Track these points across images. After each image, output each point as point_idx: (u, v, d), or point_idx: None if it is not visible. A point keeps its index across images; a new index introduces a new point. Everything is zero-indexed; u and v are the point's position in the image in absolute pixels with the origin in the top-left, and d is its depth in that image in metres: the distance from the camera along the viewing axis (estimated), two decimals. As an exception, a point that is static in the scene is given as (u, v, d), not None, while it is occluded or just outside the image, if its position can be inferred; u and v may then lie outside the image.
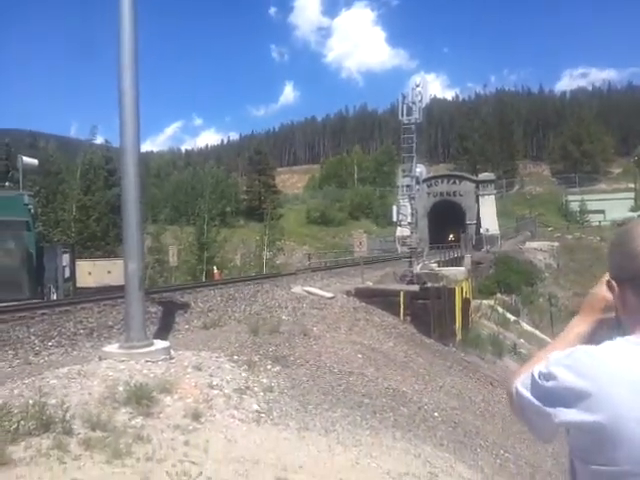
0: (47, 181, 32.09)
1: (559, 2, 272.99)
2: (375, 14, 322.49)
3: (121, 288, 16.71)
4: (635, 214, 53.59)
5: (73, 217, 29.76)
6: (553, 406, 1.24)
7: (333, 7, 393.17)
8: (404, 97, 17.57)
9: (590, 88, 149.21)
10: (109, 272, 20.34)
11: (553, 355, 1.30)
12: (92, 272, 20.17)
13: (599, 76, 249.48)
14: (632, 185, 65.12)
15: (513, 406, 1.40)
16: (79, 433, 5.06)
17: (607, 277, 1.43)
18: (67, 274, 17.69)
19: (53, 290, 17.12)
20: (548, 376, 1.26)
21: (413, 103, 17.37)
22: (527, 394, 1.31)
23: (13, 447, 4.57)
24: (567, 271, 41.36)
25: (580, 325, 1.46)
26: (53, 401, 5.54)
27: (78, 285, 18.77)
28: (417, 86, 17.34)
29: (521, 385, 1.34)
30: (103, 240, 31.58)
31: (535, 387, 1.30)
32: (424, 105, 17.56)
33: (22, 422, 4.93)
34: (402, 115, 17.65)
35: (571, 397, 1.21)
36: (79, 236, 29.08)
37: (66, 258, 17.63)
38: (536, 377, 1.30)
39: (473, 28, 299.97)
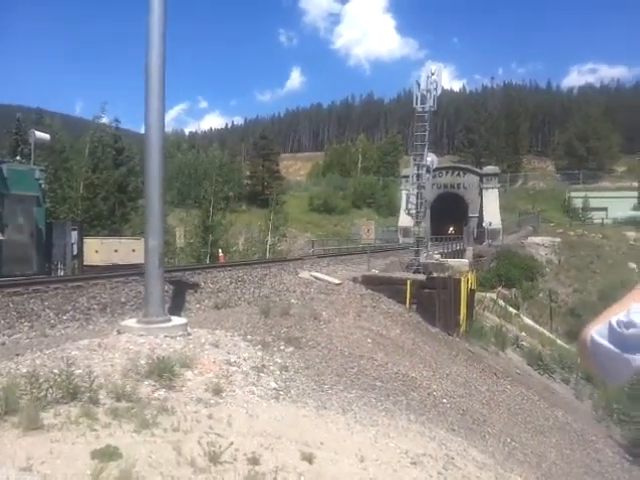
0: (51, 158, 32.05)
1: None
2: (386, 1, 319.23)
3: (128, 267, 16.89)
4: (638, 213, 53.71)
5: (80, 195, 29.77)
6: (632, 352, 1.32)
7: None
8: (419, 85, 17.57)
9: (598, 85, 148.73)
10: (116, 251, 20.41)
11: (634, 306, 1.38)
12: (99, 250, 20.21)
13: (608, 73, 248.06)
14: (636, 184, 64.99)
15: (585, 354, 1.47)
16: (105, 403, 5.15)
17: None
18: (75, 251, 17.77)
19: (60, 267, 17.21)
20: (629, 324, 1.33)
21: (427, 91, 17.36)
22: (604, 342, 1.39)
23: (43, 414, 4.66)
24: (568, 267, 41.47)
25: None
26: (78, 371, 5.64)
27: (85, 263, 18.86)
28: (432, 74, 17.34)
29: (597, 334, 1.42)
30: (109, 219, 31.63)
31: (613, 335, 1.37)
32: (438, 94, 17.55)
33: (50, 390, 5.02)
34: (416, 103, 17.63)
35: None
36: (85, 214, 29.12)
37: (74, 235, 17.69)
38: (614, 326, 1.37)
39: (483, 19, 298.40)
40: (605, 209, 59.12)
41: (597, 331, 1.43)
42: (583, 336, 1.48)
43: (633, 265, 39.08)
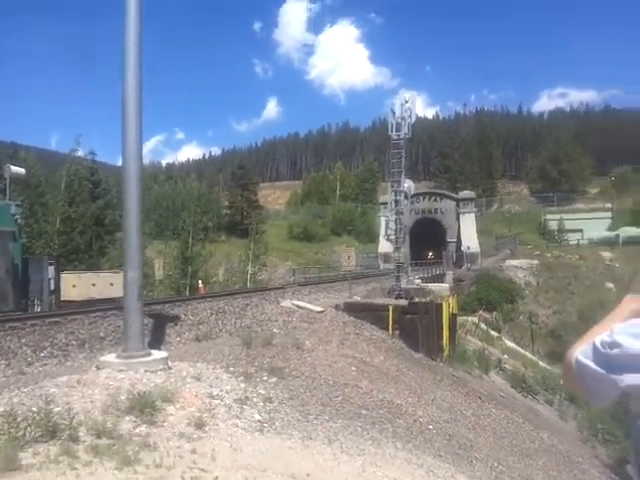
0: (27, 192, 31.74)
1: (540, 21, 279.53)
2: (359, 32, 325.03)
3: (106, 301, 16.64)
4: (612, 233, 54.66)
5: (57, 229, 29.39)
6: (618, 372, 1.33)
7: (318, 24, 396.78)
8: (393, 113, 17.87)
9: (568, 109, 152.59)
10: (94, 285, 20.10)
11: (616, 326, 1.39)
12: (77, 285, 19.86)
13: (578, 97, 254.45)
14: (609, 205, 66.38)
15: (570, 376, 1.48)
16: (85, 440, 5.03)
17: None
18: (52, 287, 17.48)
19: (37, 302, 16.91)
20: (613, 344, 1.35)
21: (402, 119, 17.66)
22: (589, 363, 1.39)
23: (22, 453, 4.54)
24: (546, 289, 41.84)
25: (633, 303, 1.52)
26: (57, 409, 5.51)
27: (62, 298, 18.53)
28: (406, 102, 17.66)
29: (582, 355, 1.42)
30: (87, 253, 31.25)
31: (598, 355, 1.38)
32: (413, 121, 17.85)
33: (28, 429, 4.90)
34: (392, 131, 17.91)
35: (638, 362, 1.30)
36: (62, 248, 28.70)
37: (51, 270, 17.42)
38: (599, 346, 1.38)
39: (455, 47, 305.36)
40: (580, 230, 60.08)
41: (582, 352, 1.44)
42: (568, 358, 1.49)
43: (610, 285, 39.58)
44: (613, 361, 1.35)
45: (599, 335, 1.42)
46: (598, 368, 1.37)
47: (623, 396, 1.37)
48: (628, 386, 1.33)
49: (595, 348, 1.40)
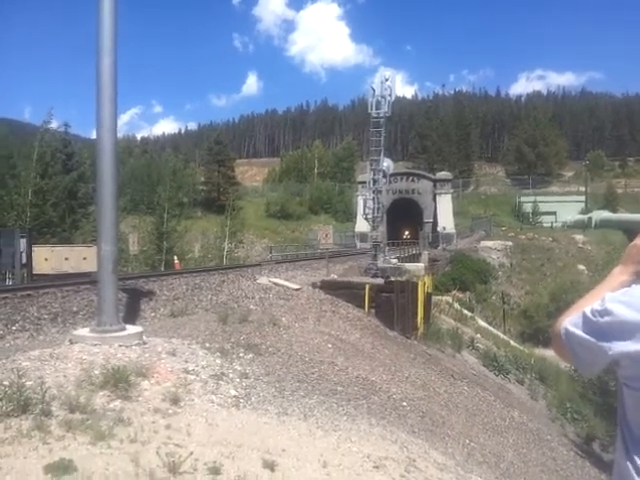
0: (-2, 164, 31.03)
1: (520, 3, 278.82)
2: (341, 10, 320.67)
3: (79, 275, 16.41)
4: (585, 216, 55.58)
5: (29, 201, 28.75)
6: (608, 340, 1.34)
7: (298, 0, 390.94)
8: (374, 91, 17.75)
9: (545, 92, 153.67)
10: (67, 259, 19.79)
11: (608, 295, 1.40)
12: (49, 258, 19.51)
13: (556, 80, 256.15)
14: (583, 188, 67.34)
15: (559, 345, 1.49)
16: (58, 415, 4.96)
17: None
18: (24, 260, 17.17)
19: (9, 275, 16.63)
20: (604, 312, 1.36)
21: (382, 97, 17.57)
22: (578, 331, 1.41)
23: (-8, 428, 4.46)
24: (520, 270, 42.50)
25: (622, 274, 1.53)
26: (29, 383, 5.42)
27: (34, 272, 18.22)
28: (386, 80, 17.56)
29: (571, 324, 1.44)
30: (59, 226, 30.67)
31: (588, 324, 1.39)
32: (392, 99, 17.78)
33: (0, 403, 4.81)
34: (371, 109, 17.81)
35: (628, 330, 1.31)
36: (34, 221, 28.09)
37: (23, 243, 17.10)
38: (589, 315, 1.40)
39: (436, 27, 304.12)
40: (554, 213, 61.01)
41: (570, 322, 1.45)
42: (556, 328, 1.50)
43: (582, 267, 40.35)
44: (603, 329, 1.36)
45: (588, 305, 1.43)
46: (587, 336, 1.39)
47: (612, 364, 1.38)
48: (617, 353, 1.34)
49: (585, 317, 1.41)
